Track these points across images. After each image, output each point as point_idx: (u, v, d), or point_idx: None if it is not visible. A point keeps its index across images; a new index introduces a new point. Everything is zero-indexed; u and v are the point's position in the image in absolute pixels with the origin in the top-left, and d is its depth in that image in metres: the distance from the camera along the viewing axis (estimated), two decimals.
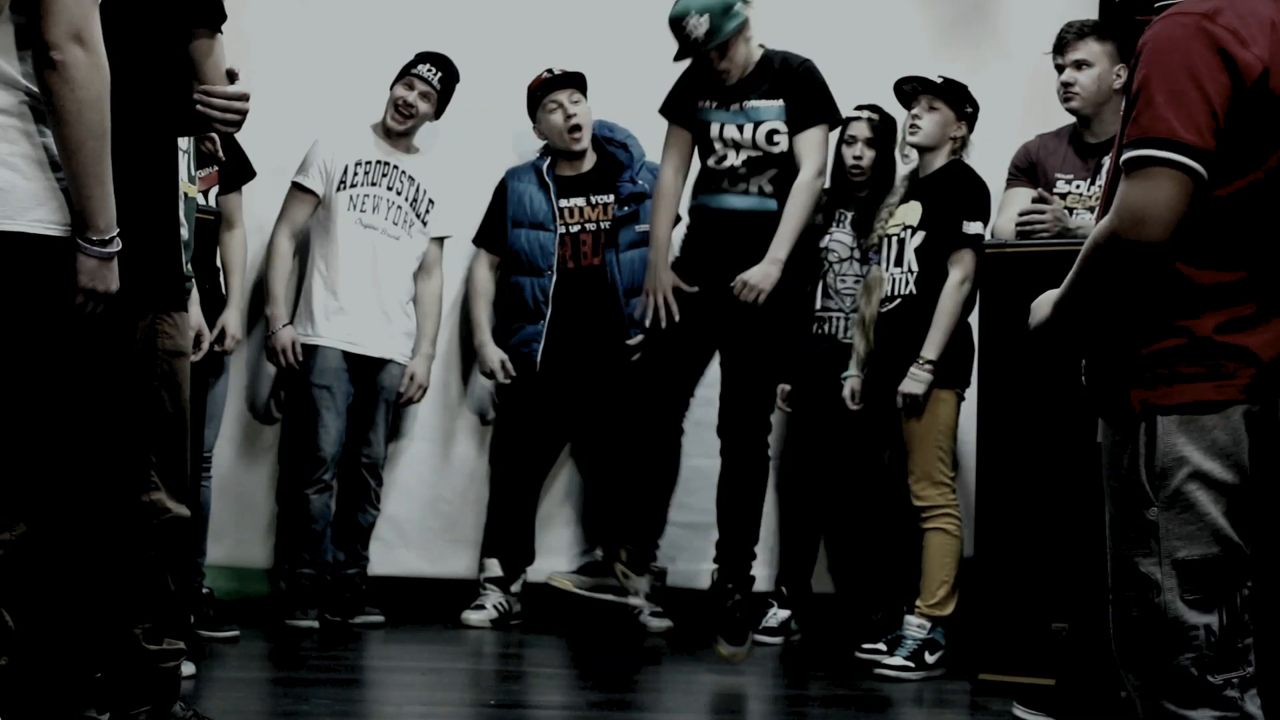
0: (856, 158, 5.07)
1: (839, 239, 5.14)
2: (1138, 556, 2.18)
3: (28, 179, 2.43)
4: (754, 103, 4.45)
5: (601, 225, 5.26)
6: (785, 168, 4.43)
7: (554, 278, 5.19)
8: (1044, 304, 2.36)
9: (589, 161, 5.32)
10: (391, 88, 5.16)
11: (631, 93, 5.13)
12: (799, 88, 4.44)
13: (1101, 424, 2.27)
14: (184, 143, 3.46)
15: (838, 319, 5.11)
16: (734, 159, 4.44)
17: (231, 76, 3.00)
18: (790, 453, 5.33)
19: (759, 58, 4.49)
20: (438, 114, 5.21)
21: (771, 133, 4.43)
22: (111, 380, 2.77)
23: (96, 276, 2.48)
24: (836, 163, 5.11)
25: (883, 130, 5.10)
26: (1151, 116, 2.11)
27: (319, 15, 5.36)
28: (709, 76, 4.45)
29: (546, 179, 5.26)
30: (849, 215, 5.14)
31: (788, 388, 5.26)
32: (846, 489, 5.13)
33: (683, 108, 4.52)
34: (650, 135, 5.06)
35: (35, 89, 2.46)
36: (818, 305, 5.14)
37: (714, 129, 4.46)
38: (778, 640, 5.15)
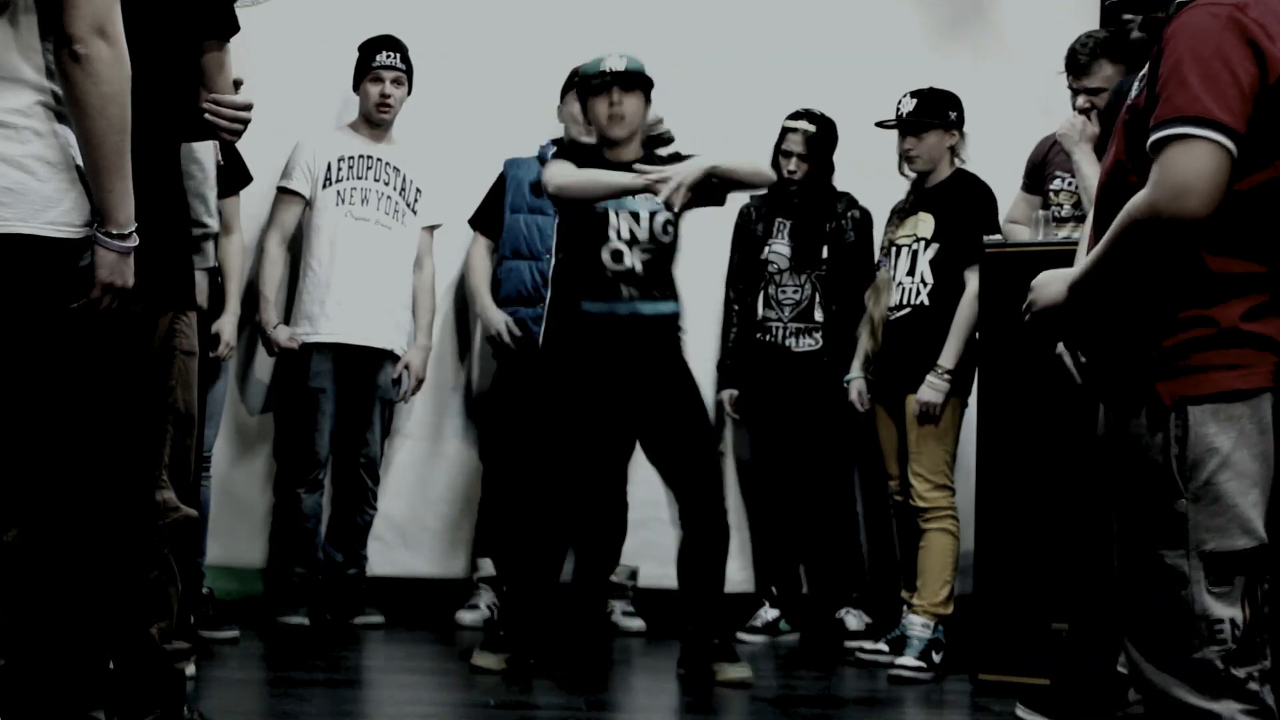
0: (791, 171, 5.11)
1: (778, 250, 5.20)
2: (1163, 549, 2.17)
3: (42, 180, 2.43)
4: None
5: None
6: (671, 265, 4.34)
7: (553, 261, 5.17)
8: (1052, 283, 2.35)
9: None
10: (359, 86, 5.17)
11: None
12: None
13: (1111, 417, 2.26)
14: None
15: (777, 328, 5.17)
16: (631, 258, 4.28)
17: (237, 85, 3.02)
18: (753, 457, 5.36)
19: (644, 154, 4.36)
20: (409, 90, 5.23)
21: (667, 223, 4.31)
22: (130, 378, 2.77)
23: (115, 271, 2.48)
24: (770, 163, 5.16)
25: (818, 141, 5.12)
26: (1187, 97, 2.12)
27: (306, 15, 5.36)
28: (594, 159, 4.35)
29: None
30: (788, 225, 5.17)
31: (735, 392, 5.30)
32: (810, 488, 5.17)
33: None
34: None
35: (51, 87, 2.45)
36: (759, 315, 5.19)
37: (612, 219, 4.28)
38: (763, 639, 5.19)
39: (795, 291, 5.14)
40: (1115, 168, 2.34)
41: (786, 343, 5.14)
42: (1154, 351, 2.19)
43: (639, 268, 4.28)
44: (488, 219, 5.32)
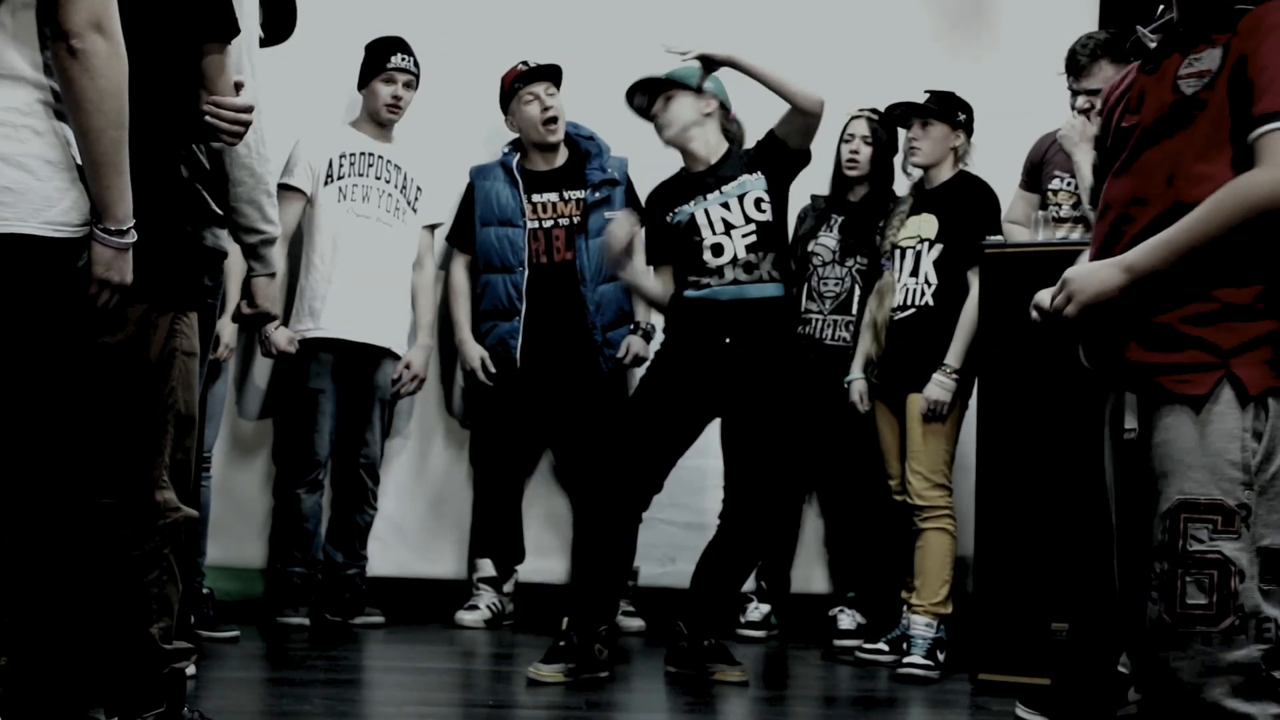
0: (854, 153, 5.10)
1: (824, 243, 5.20)
2: (1220, 541, 2.15)
3: (41, 179, 2.43)
4: (733, 182, 4.35)
5: (574, 220, 5.22)
6: (781, 249, 4.37)
7: (525, 273, 5.17)
8: (1096, 272, 2.28)
9: (561, 156, 5.30)
10: (366, 86, 5.17)
11: (597, 92, 5.17)
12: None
13: (1156, 409, 2.22)
14: None
15: (818, 320, 5.16)
16: (733, 246, 4.29)
17: (237, 87, 3.02)
18: None
19: (726, 148, 4.43)
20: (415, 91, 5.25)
21: (758, 200, 4.33)
22: (130, 378, 2.77)
23: (112, 267, 2.48)
24: (834, 160, 5.14)
25: (880, 133, 5.11)
26: None
27: (308, 15, 5.34)
28: (676, 182, 4.42)
29: (515, 174, 5.24)
30: (839, 220, 5.16)
31: None
32: (834, 487, 5.16)
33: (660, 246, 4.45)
34: (615, 134, 5.12)
35: (50, 84, 2.45)
36: (801, 307, 5.19)
37: (700, 218, 4.31)
38: (759, 634, 5.18)
39: (837, 285, 5.15)
40: (1155, 158, 2.29)
41: (822, 335, 5.14)
42: (1234, 339, 2.17)
43: (742, 253, 4.29)
44: (464, 234, 5.31)
